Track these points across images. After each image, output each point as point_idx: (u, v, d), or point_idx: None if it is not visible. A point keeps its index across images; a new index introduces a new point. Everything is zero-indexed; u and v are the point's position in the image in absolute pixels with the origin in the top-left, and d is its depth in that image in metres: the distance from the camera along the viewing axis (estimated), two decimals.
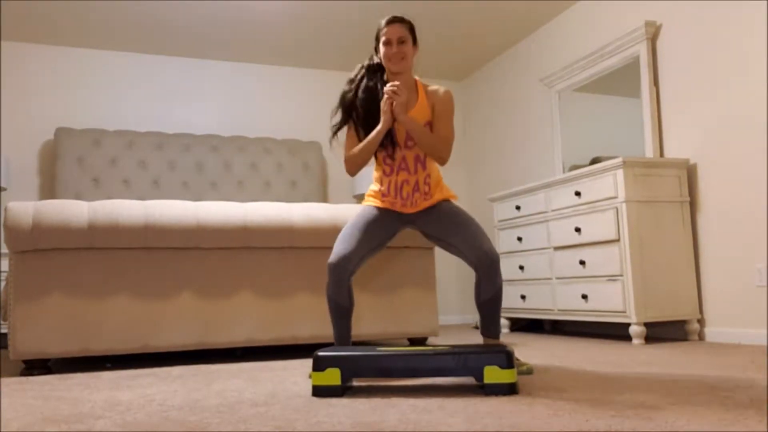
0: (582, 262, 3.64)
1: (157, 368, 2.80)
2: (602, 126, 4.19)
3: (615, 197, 3.41)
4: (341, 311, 2.29)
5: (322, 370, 1.89)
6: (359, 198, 5.55)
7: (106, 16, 4.54)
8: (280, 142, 5.29)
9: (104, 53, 5.12)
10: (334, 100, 5.73)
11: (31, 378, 2.57)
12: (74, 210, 2.81)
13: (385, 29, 2.34)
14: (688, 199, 3.50)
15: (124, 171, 4.82)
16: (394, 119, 2.28)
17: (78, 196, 4.67)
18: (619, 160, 3.37)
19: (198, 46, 5.11)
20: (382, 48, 2.35)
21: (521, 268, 4.25)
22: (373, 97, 2.35)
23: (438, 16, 4.68)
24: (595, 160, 4.24)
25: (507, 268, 4.43)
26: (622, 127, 4.01)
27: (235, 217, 3.01)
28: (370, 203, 2.45)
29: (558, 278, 3.88)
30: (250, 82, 5.51)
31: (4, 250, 4.53)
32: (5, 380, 2.52)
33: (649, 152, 3.74)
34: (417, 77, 2.43)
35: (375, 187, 2.46)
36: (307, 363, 2.85)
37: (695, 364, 2.44)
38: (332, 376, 1.88)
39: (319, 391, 1.89)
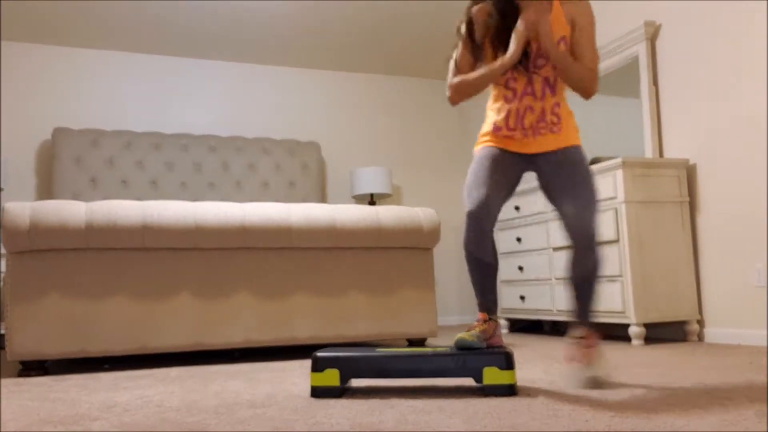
0: None
1: (155, 369, 2.80)
2: (602, 126, 4.19)
3: (614, 197, 3.41)
4: (485, 269, 1.99)
5: (321, 370, 1.88)
6: (358, 198, 5.54)
7: (103, 16, 4.53)
8: (279, 142, 5.29)
9: (102, 53, 5.11)
10: (333, 100, 5.76)
11: (28, 379, 2.56)
12: (72, 210, 2.80)
13: None
14: (688, 199, 3.50)
15: (122, 171, 4.81)
16: (523, 53, 1.96)
17: (75, 197, 4.66)
18: (618, 160, 3.36)
19: (196, 46, 5.10)
20: None
21: (520, 268, 4.25)
22: (505, 8, 2.00)
23: (438, 15, 4.67)
24: (594, 161, 4.23)
25: (506, 269, 4.43)
26: (621, 127, 4.01)
27: (234, 217, 3.00)
28: (485, 144, 2.11)
29: (557, 279, 3.88)
30: (248, 83, 5.50)
31: (2, 250, 4.51)
32: (2, 381, 2.51)
33: (649, 152, 3.73)
34: None
35: (489, 123, 2.12)
36: (306, 364, 2.85)
37: (695, 364, 2.43)
38: (331, 377, 1.87)
39: (317, 392, 1.88)
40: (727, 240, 3.31)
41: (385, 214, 3.28)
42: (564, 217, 1.98)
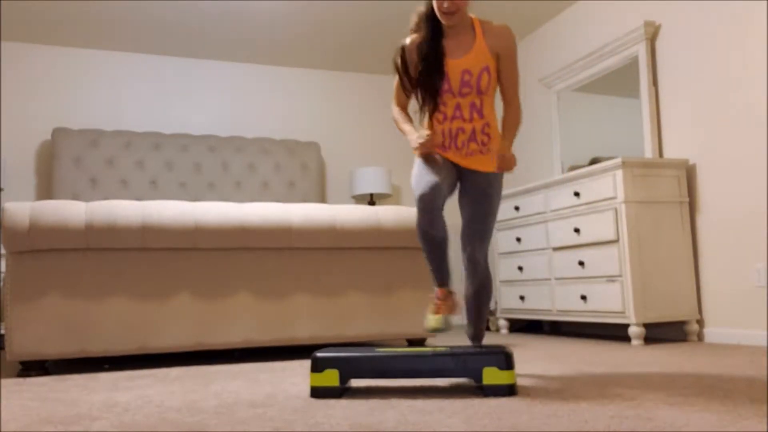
0: (581, 263, 3.63)
1: (155, 369, 2.79)
2: (601, 126, 4.19)
3: (614, 198, 3.41)
4: (440, 244, 2.16)
5: (321, 371, 1.88)
6: (358, 198, 5.54)
7: (103, 16, 4.53)
8: (279, 142, 5.28)
9: (101, 53, 5.11)
10: (333, 100, 5.76)
11: (28, 379, 2.56)
12: (71, 210, 2.80)
13: None
14: (688, 199, 3.50)
15: (122, 171, 4.81)
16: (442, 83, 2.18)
17: (75, 197, 4.66)
18: (618, 160, 3.37)
19: (196, 46, 5.10)
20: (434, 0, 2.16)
21: (520, 268, 4.25)
22: (428, 53, 2.19)
23: None
24: (594, 161, 4.23)
25: (506, 269, 4.43)
26: (621, 127, 4.01)
27: (233, 217, 3.00)
28: None
29: (557, 279, 3.88)
30: (248, 82, 5.50)
31: (2, 250, 4.51)
32: (2, 381, 2.51)
33: (648, 152, 3.73)
34: (473, 16, 2.26)
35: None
36: (306, 364, 2.85)
37: (694, 364, 2.43)
38: (331, 377, 1.87)
39: (317, 392, 1.88)
40: (727, 240, 3.32)
41: (385, 214, 3.28)
42: (460, 238, 2.27)
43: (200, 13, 4.54)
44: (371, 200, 5.36)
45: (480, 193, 2.25)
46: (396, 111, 2.36)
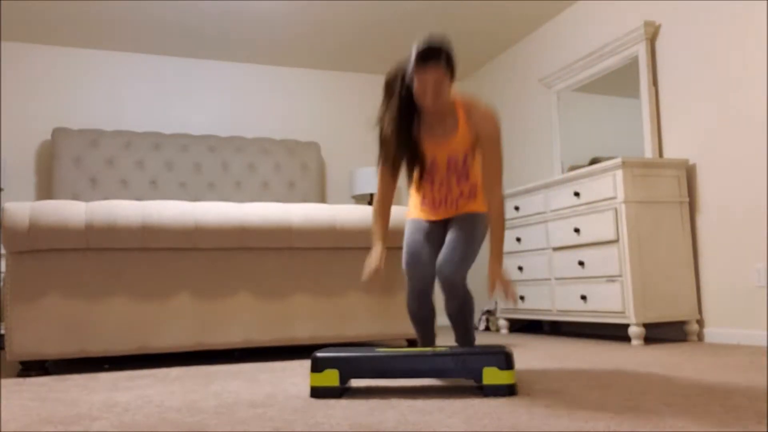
0: (581, 263, 3.63)
1: (155, 369, 2.79)
2: (601, 126, 4.19)
3: (614, 198, 3.41)
4: (428, 321, 2.30)
5: (321, 371, 1.88)
6: (357, 198, 5.54)
7: (103, 16, 4.53)
8: (279, 142, 5.28)
9: (101, 53, 5.11)
10: (333, 100, 5.76)
11: (28, 379, 2.56)
12: (71, 210, 2.80)
13: (418, 69, 2.01)
14: (688, 199, 3.50)
15: (122, 171, 4.81)
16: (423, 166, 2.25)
17: (75, 197, 4.66)
18: (618, 160, 3.37)
19: (196, 46, 5.10)
20: (414, 85, 2.06)
21: (520, 268, 4.25)
22: (401, 137, 2.16)
23: (436, 15, 4.67)
24: (594, 161, 4.23)
25: (506, 269, 4.43)
26: (621, 127, 4.01)
27: (233, 217, 3.00)
28: (414, 216, 2.39)
29: (557, 279, 3.88)
30: (248, 83, 5.50)
31: (2, 250, 4.51)
32: (2, 381, 2.51)
33: (648, 153, 3.73)
34: (456, 96, 2.20)
35: (415, 203, 2.40)
36: (306, 364, 2.85)
37: (694, 365, 2.43)
38: (330, 377, 1.87)
39: (317, 393, 1.88)
40: (727, 240, 3.32)
41: None
42: (438, 260, 2.23)
43: (200, 13, 4.54)
44: (371, 200, 5.36)
45: (461, 223, 2.27)
46: (377, 202, 2.30)
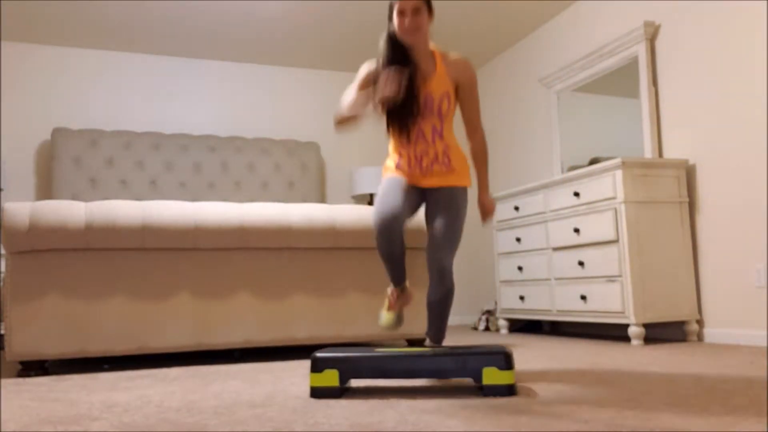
0: (581, 263, 3.63)
1: (155, 369, 2.79)
2: (601, 126, 4.19)
3: (614, 198, 3.41)
4: (398, 259, 2.24)
5: (320, 371, 1.88)
6: (357, 198, 5.54)
7: (103, 16, 4.52)
8: (278, 142, 5.28)
9: (101, 53, 5.11)
10: (333, 100, 5.76)
11: (27, 379, 2.56)
12: (71, 211, 2.80)
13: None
14: (687, 199, 3.50)
15: (121, 171, 4.81)
16: (413, 104, 2.24)
17: (75, 197, 4.66)
18: (617, 160, 3.36)
19: (195, 46, 5.10)
20: (395, 19, 2.19)
21: (520, 268, 4.25)
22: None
23: (436, 15, 4.67)
24: (593, 161, 4.23)
25: (506, 269, 4.43)
26: (620, 127, 4.01)
27: (233, 217, 3.00)
28: (391, 174, 2.35)
29: (557, 279, 3.88)
30: (247, 83, 5.50)
31: (2, 250, 4.51)
32: (2, 381, 2.51)
33: (648, 153, 3.73)
34: (433, 46, 2.31)
35: (393, 159, 2.38)
36: (306, 364, 2.84)
37: (694, 365, 2.43)
38: (330, 378, 1.87)
39: (317, 393, 1.88)
40: (726, 240, 3.32)
41: None
42: (427, 248, 2.26)
43: (200, 13, 4.54)
44: (371, 200, 5.36)
45: (445, 205, 2.29)
46: (353, 93, 2.26)
